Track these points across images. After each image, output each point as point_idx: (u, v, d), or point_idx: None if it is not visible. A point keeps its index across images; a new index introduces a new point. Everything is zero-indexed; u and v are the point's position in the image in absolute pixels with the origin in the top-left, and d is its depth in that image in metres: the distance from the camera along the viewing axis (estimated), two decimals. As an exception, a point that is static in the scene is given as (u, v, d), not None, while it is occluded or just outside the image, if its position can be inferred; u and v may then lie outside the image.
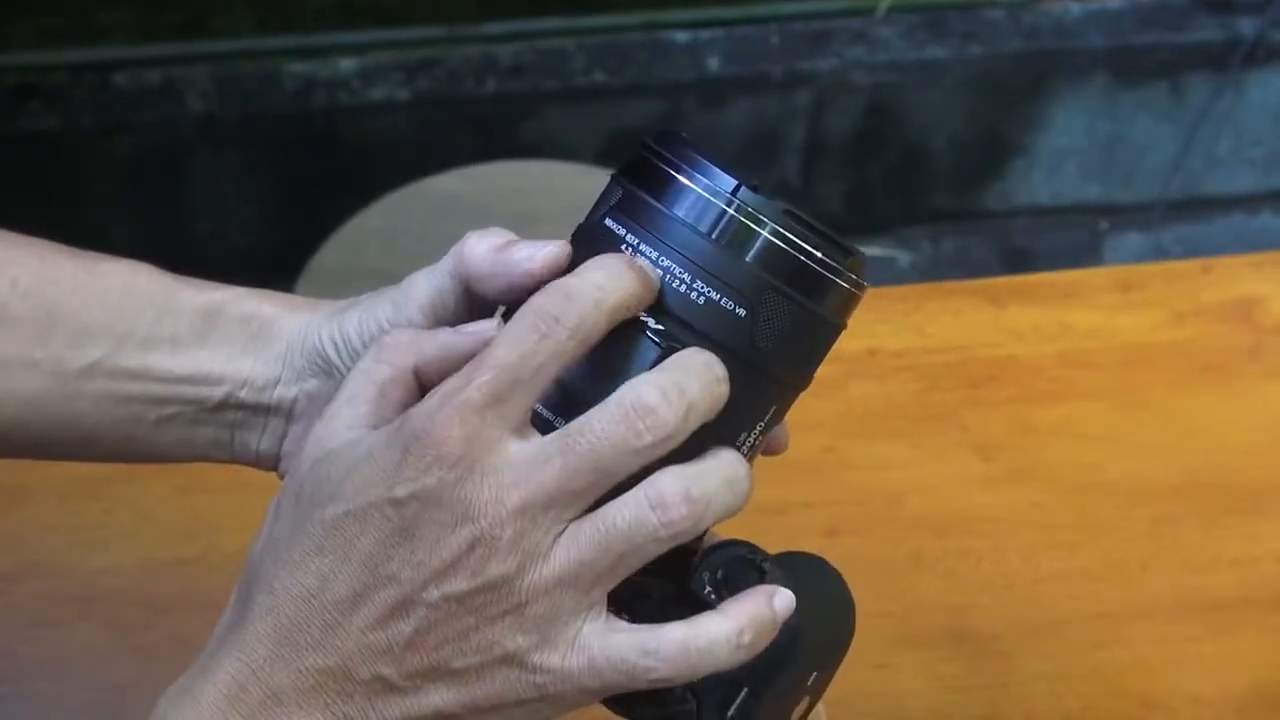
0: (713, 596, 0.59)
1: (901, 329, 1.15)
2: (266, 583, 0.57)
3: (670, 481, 0.57)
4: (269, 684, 0.56)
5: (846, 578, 1.00)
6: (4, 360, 0.69)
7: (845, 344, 1.12)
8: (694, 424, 0.57)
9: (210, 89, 2.07)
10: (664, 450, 0.57)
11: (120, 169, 2.10)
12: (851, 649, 0.97)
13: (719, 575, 0.60)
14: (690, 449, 0.57)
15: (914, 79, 2.26)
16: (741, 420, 0.59)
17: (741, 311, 0.58)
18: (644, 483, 0.57)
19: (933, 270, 2.37)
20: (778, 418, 0.61)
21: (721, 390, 0.57)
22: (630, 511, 0.57)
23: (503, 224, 0.65)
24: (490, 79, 2.13)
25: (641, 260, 0.59)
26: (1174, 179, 2.39)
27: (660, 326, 0.58)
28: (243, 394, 0.69)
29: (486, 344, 0.60)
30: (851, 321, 0.63)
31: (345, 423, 0.59)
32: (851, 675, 0.96)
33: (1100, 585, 1.02)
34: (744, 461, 0.59)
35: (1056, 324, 1.17)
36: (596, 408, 0.57)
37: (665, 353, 0.58)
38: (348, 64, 2.09)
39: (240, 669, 0.57)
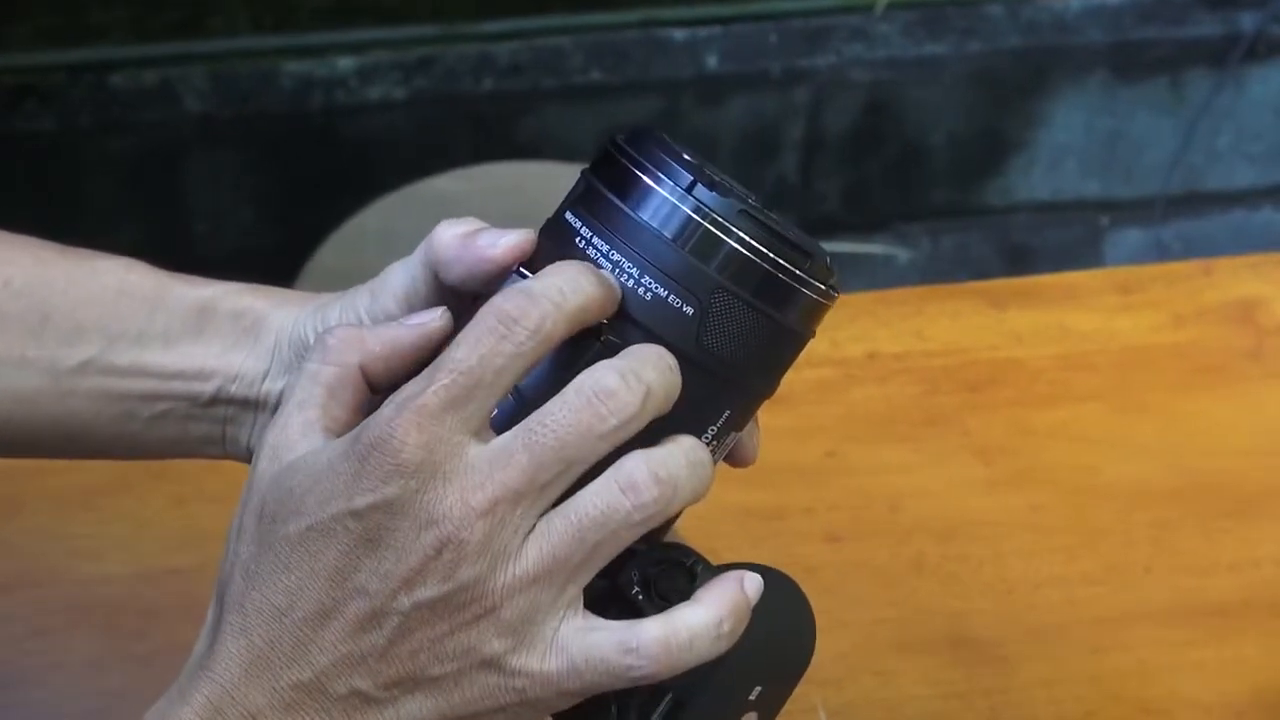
0: (639, 597, 0.59)
1: (901, 332, 1.15)
2: (236, 602, 0.57)
3: (637, 463, 0.57)
4: (245, 705, 0.56)
5: (847, 584, 1.00)
6: None
7: (845, 348, 1.13)
8: (652, 409, 0.57)
9: (207, 88, 2.07)
10: (627, 434, 0.56)
11: (117, 169, 2.09)
12: (852, 655, 0.97)
13: (648, 575, 0.59)
14: (648, 443, 0.57)
15: (913, 75, 2.26)
16: (692, 421, 0.59)
17: (689, 310, 0.58)
18: (610, 468, 0.57)
19: (932, 267, 2.37)
20: (735, 424, 0.61)
21: (674, 378, 0.57)
22: (601, 499, 0.56)
23: (500, 224, 0.65)
24: (488, 77, 2.12)
25: (595, 256, 0.59)
26: (1174, 175, 2.38)
27: (603, 320, 0.58)
28: (233, 388, 0.69)
29: (428, 335, 0.61)
30: (851, 325, 0.62)
31: (298, 430, 0.59)
32: (851, 681, 0.96)
33: (1100, 589, 1.02)
34: (704, 447, 0.59)
35: (1056, 326, 1.17)
36: (555, 398, 0.56)
37: (604, 346, 0.58)
38: (345, 63, 2.09)
39: (215, 691, 0.56)
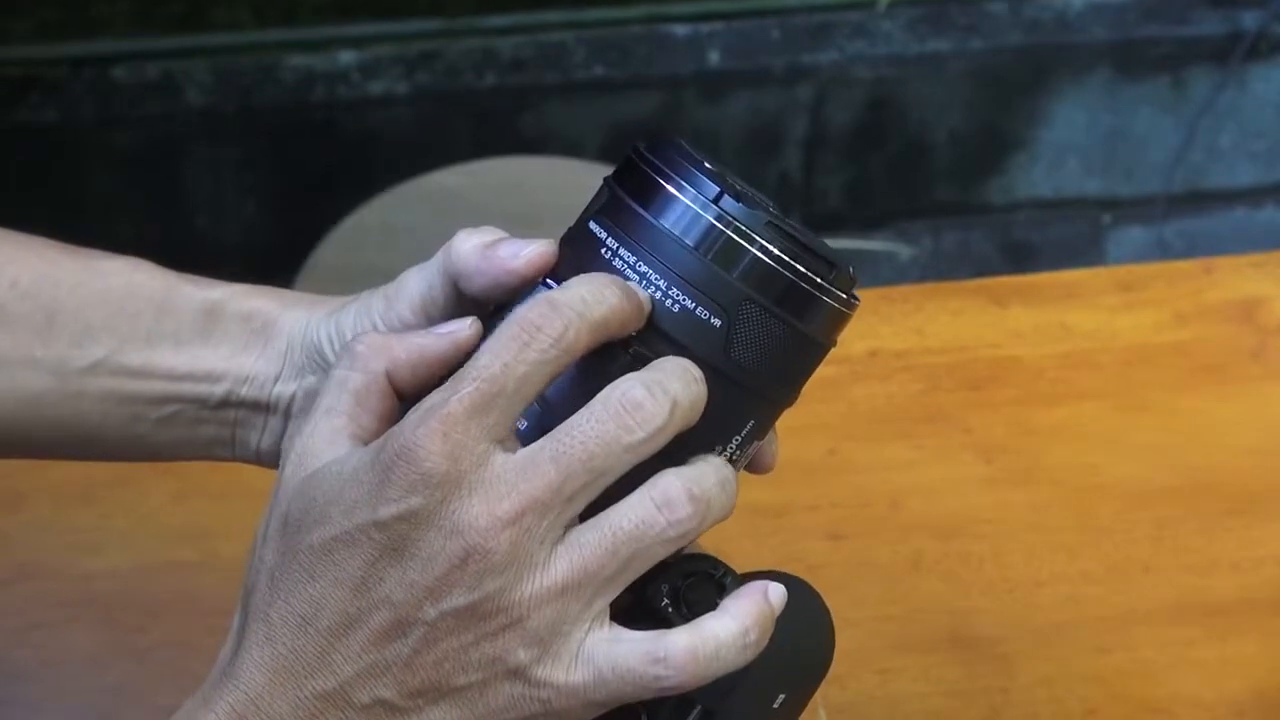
0: (669, 610, 0.59)
1: (902, 329, 1.14)
2: (261, 611, 0.57)
3: (673, 480, 0.57)
4: (269, 713, 0.56)
5: (848, 581, 1.00)
6: (5, 360, 0.69)
7: (847, 345, 1.11)
8: (679, 421, 0.57)
9: (209, 82, 2.07)
10: (654, 447, 0.56)
11: (119, 162, 2.09)
12: (852, 653, 0.97)
13: (678, 589, 0.59)
14: (674, 459, 0.57)
15: (915, 72, 2.26)
16: (717, 432, 0.59)
17: (717, 321, 0.58)
18: (645, 484, 0.57)
19: (934, 264, 2.37)
20: (758, 433, 0.61)
21: (700, 390, 0.57)
22: (636, 513, 0.56)
23: (503, 220, 0.64)
24: (490, 72, 2.12)
25: (622, 267, 0.58)
26: (1176, 173, 2.38)
27: (631, 333, 0.58)
28: (243, 391, 0.68)
29: (458, 345, 0.60)
30: (853, 322, 0.62)
31: (324, 437, 0.59)
32: (852, 680, 0.96)
33: (1101, 588, 1.01)
34: (730, 466, 0.59)
35: (1058, 325, 1.16)
36: (582, 410, 0.56)
37: (632, 358, 0.58)
38: (347, 57, 2.08)
39: (239, 699, 0.56)
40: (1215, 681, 0.97)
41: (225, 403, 0.69)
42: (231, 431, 0.69)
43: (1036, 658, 0.97)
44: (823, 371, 0.62)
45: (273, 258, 1.87)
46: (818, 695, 0.92)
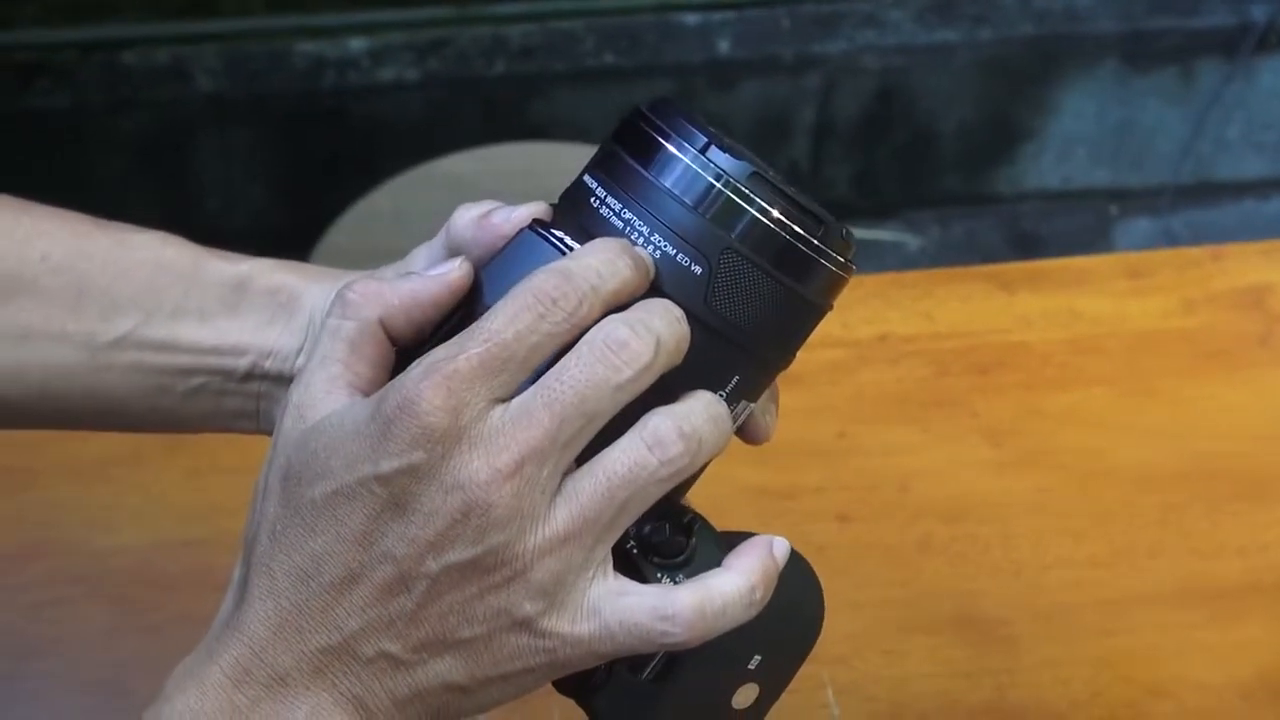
0: (635, 551, 0.59)
1: (911, 314, 1.15)
2: (263, 564, 0.57)
3: (662, 420, 0.57)
4: (273, 666, 0.56)
5: (855, 563, 1.01)
6: (34, 332, 0.69)
7: (856, 329, 1.13)
8: (664, 358, 0.57)
9: (219, 68, 2.07)
10: (643, 385, 0.57)
11: (128, 148, 2.10)
12: (860, 634, 0.97)
13: (644, 530, 0.59)
14: (662, 400, 0.58)
15: (924, 62, 2.26)
16: (699, 383, 0.59)
17: (698, 269, 0.58)
18: (635, 426, 0.57)
19: (941, 254, 2.37)
20: (745, 392, 0.61)
21: (683, 329, 0.57)
22: (629, 456, 0.57)
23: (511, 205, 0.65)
24: (500, 60, 2.12)
25: (608, 214, 0.59)
26: (1184, 164, 2.38)
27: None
28: (268, 364, 0.69)
29: (449, 286, 0.61)
30: (862, 307, 0.62)
31: (321, 387, 0.59)
32: (859, 660, 0.97)
33: (1108, 572, 1.02)
34: (722, 401, 0.59)
35: (1066, 310, 1.17)
36: (568, 355, 0.56)
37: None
38: (357, 44, 2.09)
39: (243, 651, 0.57)
40: (1220, 665, 0.97)
41: (250, 375, 0.69)
42: (256, 404, 0.70)
43: (1042, 640, 0.98)
44: (832, 355, 0.62)
45: (282, 243, 1.87)
46: (825, 674, 0.92)
